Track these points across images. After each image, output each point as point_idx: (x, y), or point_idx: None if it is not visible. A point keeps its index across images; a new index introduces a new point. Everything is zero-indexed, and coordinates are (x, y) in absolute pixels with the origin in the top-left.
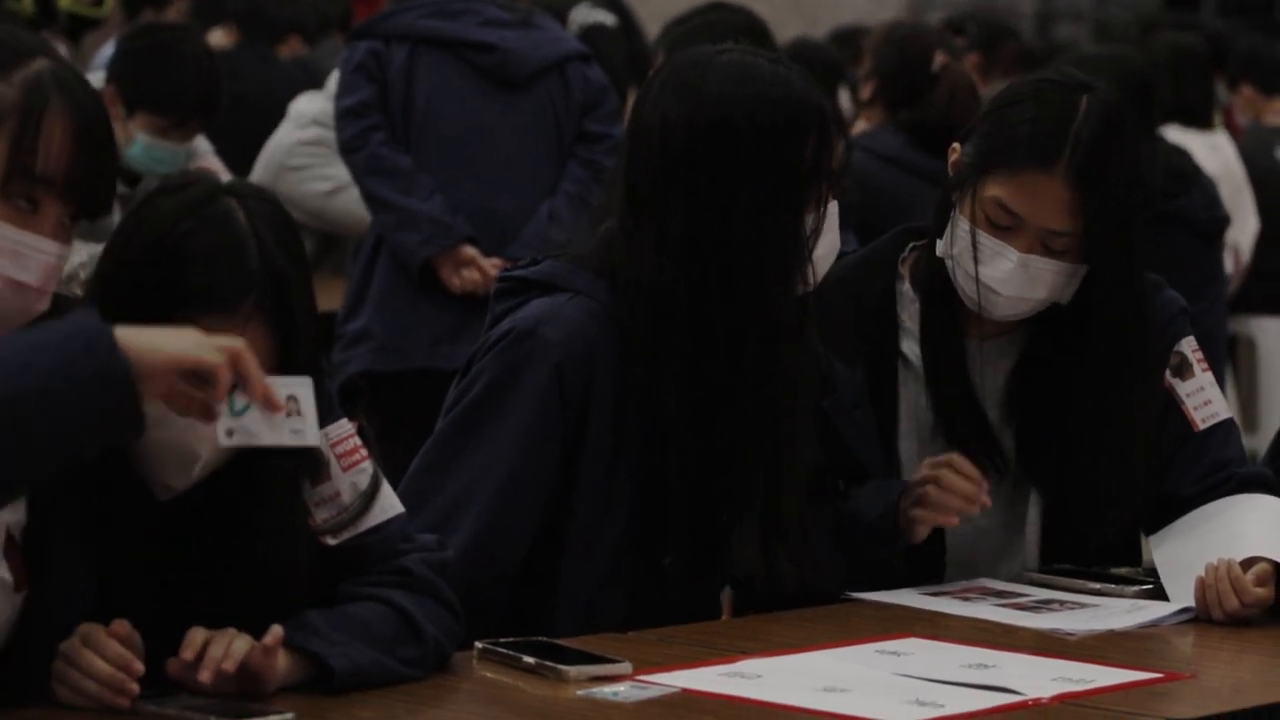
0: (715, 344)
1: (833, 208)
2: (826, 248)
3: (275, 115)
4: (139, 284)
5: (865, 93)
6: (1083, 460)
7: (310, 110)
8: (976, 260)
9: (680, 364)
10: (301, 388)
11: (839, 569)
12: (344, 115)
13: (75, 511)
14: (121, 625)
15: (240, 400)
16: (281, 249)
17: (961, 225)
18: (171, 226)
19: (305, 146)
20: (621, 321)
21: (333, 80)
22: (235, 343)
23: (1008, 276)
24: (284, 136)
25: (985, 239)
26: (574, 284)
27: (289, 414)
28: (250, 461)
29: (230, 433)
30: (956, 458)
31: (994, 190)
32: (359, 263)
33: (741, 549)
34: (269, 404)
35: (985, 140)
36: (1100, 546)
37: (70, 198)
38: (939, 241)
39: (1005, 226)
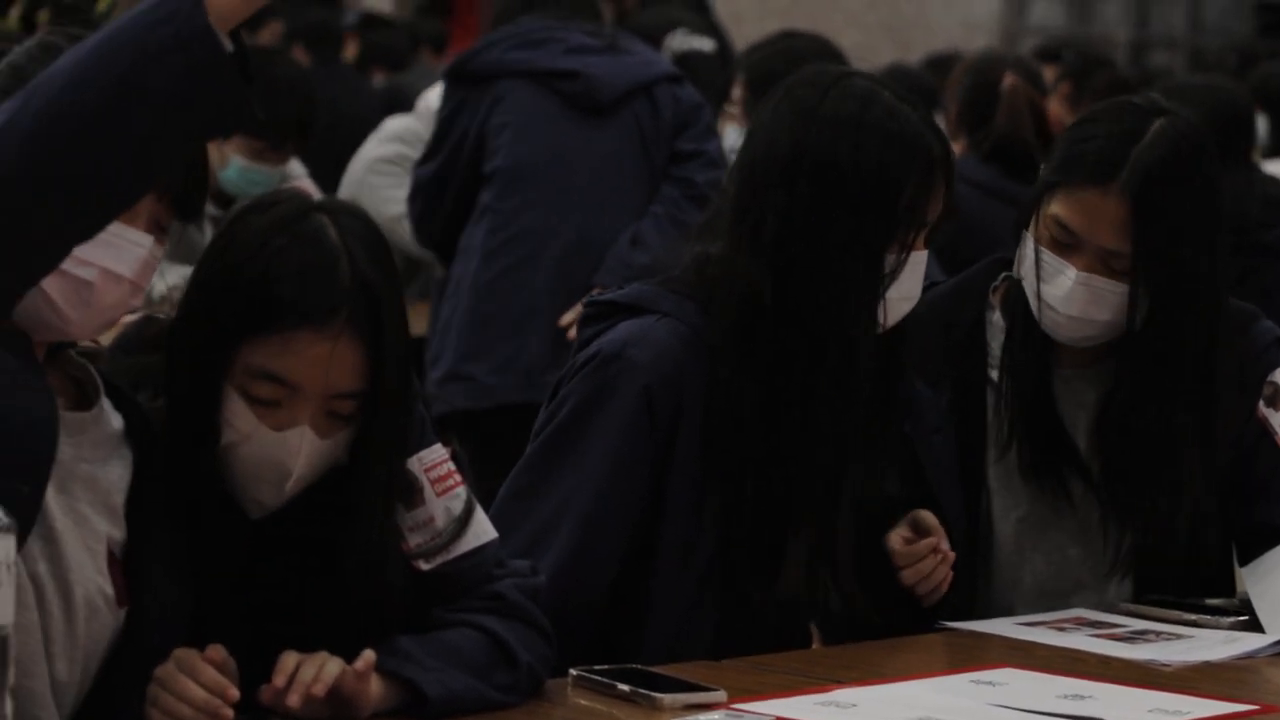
0: (795, 353)
1: (919, 255)
2: (904, 293)
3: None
4: (230, 300)
5: (949, 122)
6: (1158, 486)
7: (395, 127)
8: (1039, 278)
9: (760, 369)
10: None
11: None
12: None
13: (170, 529)
14: (217, 650)
15: None
16: (373, 264)
17: (1028, 244)
18: (263, 243)
19: (384, 164)
20: (710, 343)
21: (422, 100)
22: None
23: (1067, 295)
24: (367, 152)
25: (1047, 256)
26: (662, 306)
27: None
28: (343, 481)
29: None
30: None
31: (1055, 208)
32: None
33: (788, 567)
34: None
35: (1055, 158)
36: (1193, 575)
37: (162, 194)
38: (1015, 260)
39: (1066, 244)
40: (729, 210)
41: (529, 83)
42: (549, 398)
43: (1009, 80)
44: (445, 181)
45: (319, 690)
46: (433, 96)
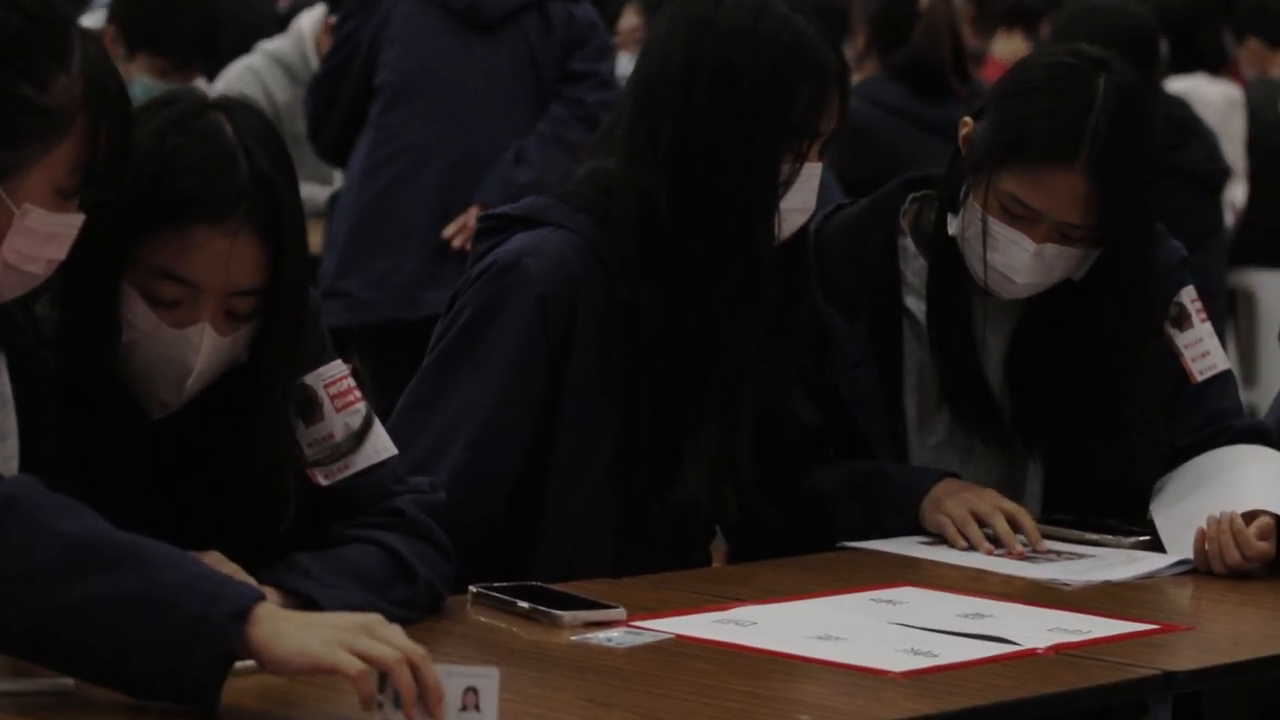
0: (694, 262)
1: (812, 169)
2: (798, 204)
3: None
4: (130, 199)
5: (859, 44)
6: (1101, 434)
7: (264, 46)
8: (987, 247)
9: (661, 277)
10: (485, 679)
11: (823, 529)
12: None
13: (65, 429)
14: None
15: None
16: (271, 161)
17: (974, 211)
18: (160, 140)
19: (243, 70)
20: (606, 255)
21: (294, 23)
22: (403, 641)
23: (1023, 266)
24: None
25: (999, 227)
26: (556, 217)
27: (465, 708)
28: (241, 387)
29: None
30: (1025, 518)
31: (1010, 185)
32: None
33: (686, 472)
34: (434, 706)
35: (999, 130)
36: (1100, 496)
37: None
38: (950, 218)
39: (1020, 216)
40: (625, 122)
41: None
42: (445, 309)
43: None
44: (335, 89)
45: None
46: (305, 20)
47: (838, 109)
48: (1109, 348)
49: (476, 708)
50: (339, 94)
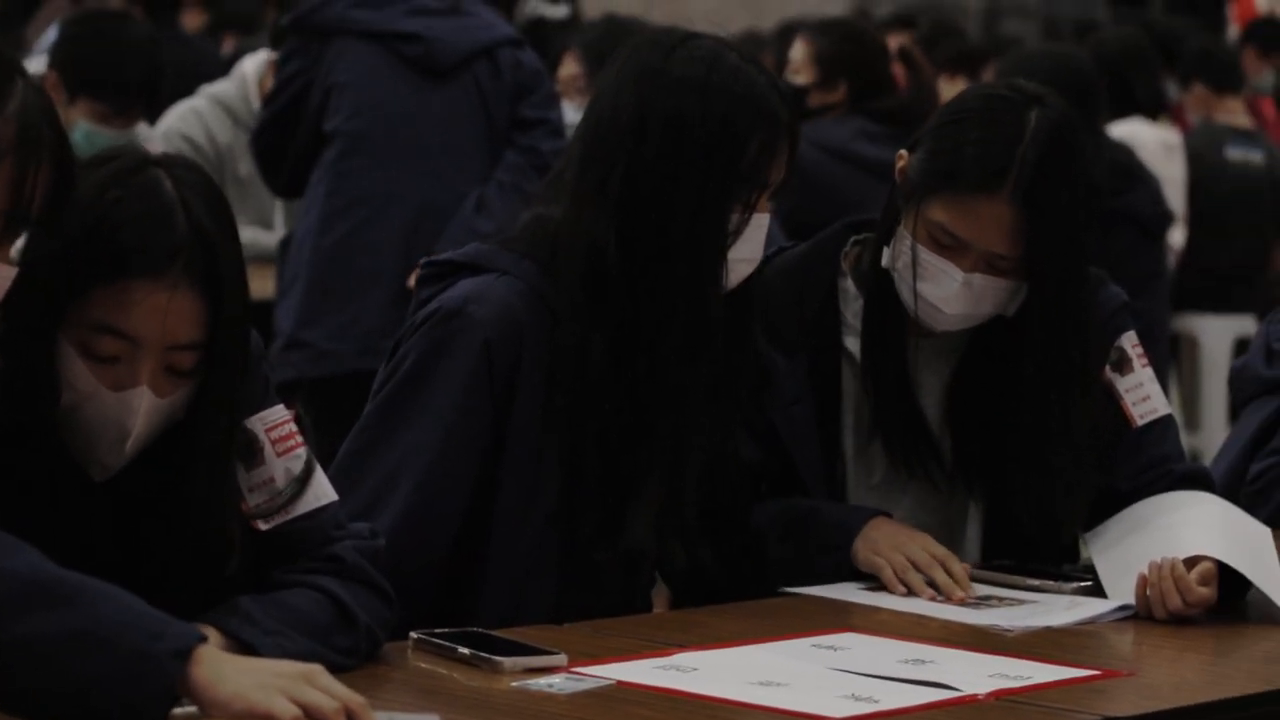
0: (642, 308)
1: (761, 219)
2: (745, 254)
3: None
4: (69, 252)
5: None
6: (1023, 472)
7: (208, 89)
8: (916, 277)
9: (609, 323)
10: None
11: (757, 567)
12: (267, 122)
13: (9, 494)
14: None
15: None
16: (209, 215)
17: (904, 241)
18: (100, 195)
19: (187, 112)
20: (551, 302)
21: (238, 68)
22: (343, 691)
23: (952, 296)
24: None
25: (929, 256)
26: (501, 264)
27: None
28: (181, 438)
29: None
30: (955, 564)
31: (938, 214)
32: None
33: (634, 521)
34: None
35: (931, 159)
36: (1040, 542)
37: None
38: (885, 249)
39: (949, 246)
40: (574, 169)
41: (369, 43)
42: (388, 356)
43: (898, 43)
44: (285, 134)
45: None
46: (249, 64)
47: (786, 159)
48: (1031, 385)
49: None
50: (293, 138)
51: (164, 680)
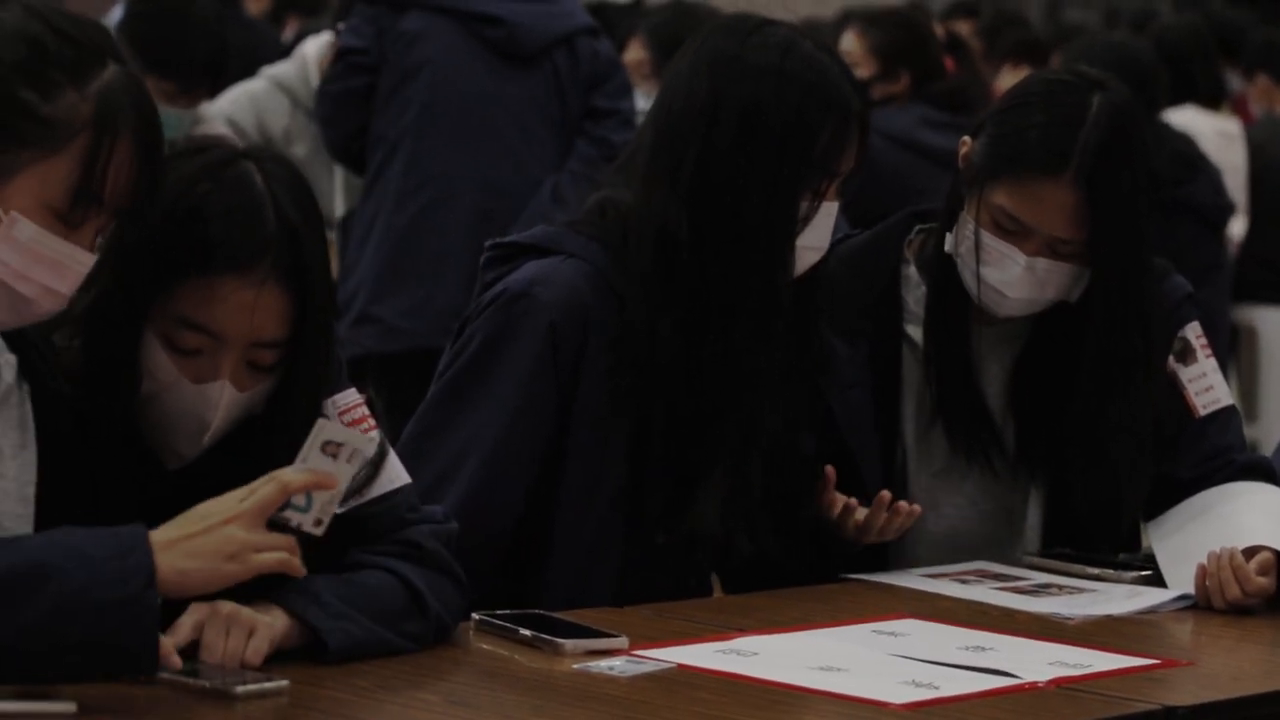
0: (711, 292)
1: (830, 208)
2: (813, 241)
3: None
4: (157, 245)
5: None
6: (1082, 460)
7: (268, 70)
8: (979, 261)
9: (679, 307)
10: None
11: (814, 555)
12: (327, 99)
13: (85, 475)
14: None
15: (300, 499)
16: (298, 211)
17: (968, 226)
18: (189, 188)
19: (244, 95)
20: (618, 285)
21: (299, 50)
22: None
23: (1015, 280)
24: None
25: (991, 241)
26: (567, 246)
27: (337, 458)
28: (257, 432)
29: (318, 522)
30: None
31: (1001, 198)
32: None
33: (701, 507)
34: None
35: (994, 143)
36: (1101, 531)
37: (119, 215)
38: (947, 236)
39: (1011, 230)
40: (645, 153)
41: (452, 22)
42: (454, 337)
43: (945, 30)
44: (359, 99)
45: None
46: (310, 46)
47: (857, 149)
48: (1092, 371)
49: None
50: (359, 110)
51: (146, 617)
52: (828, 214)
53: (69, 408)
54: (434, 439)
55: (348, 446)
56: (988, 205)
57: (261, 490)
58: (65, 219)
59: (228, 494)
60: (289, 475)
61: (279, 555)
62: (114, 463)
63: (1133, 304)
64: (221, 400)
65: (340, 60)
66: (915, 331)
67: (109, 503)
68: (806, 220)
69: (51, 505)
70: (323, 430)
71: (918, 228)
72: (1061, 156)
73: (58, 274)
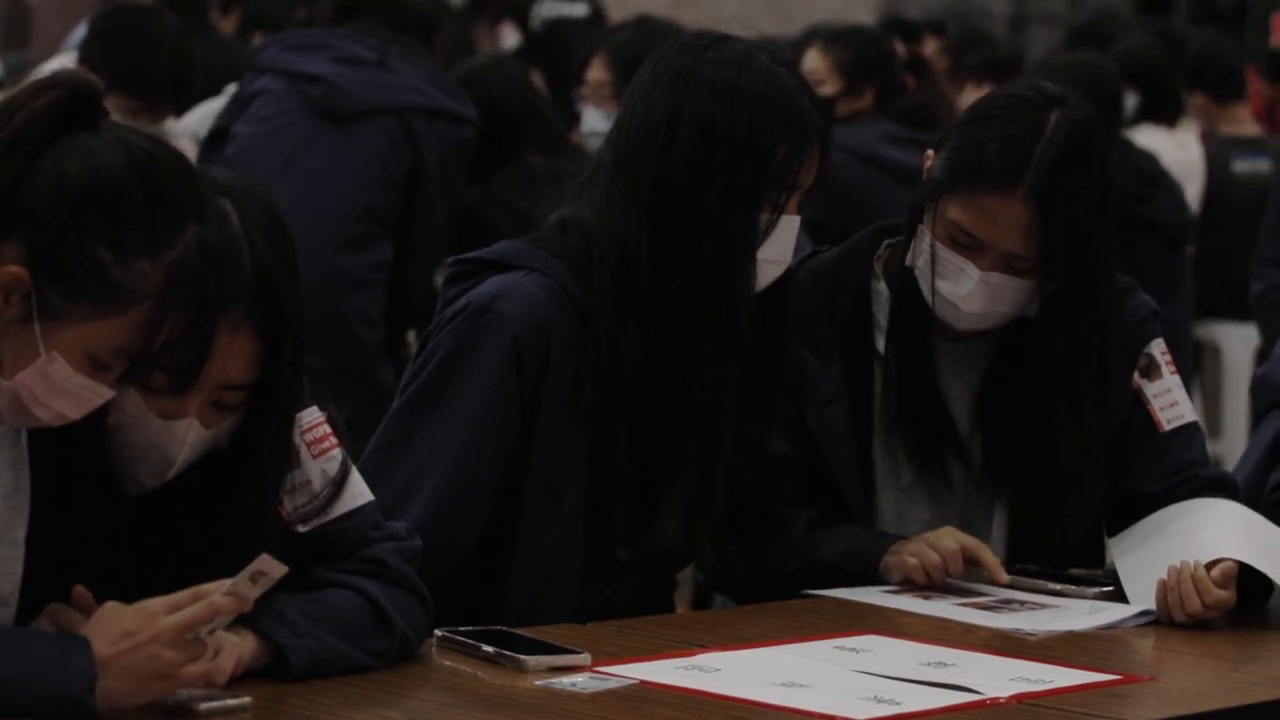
0: (672, 306)
1: (791, 221)
2: (774, 255)
3: None
4: None
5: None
6: (1039, 471)
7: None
8: (935, 274)
9: (641, 321)
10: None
11: (787, 564)
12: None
13: (52, 506)
14: (82, 594)
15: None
16: (274, 254)
17: (925, 239)
18: None
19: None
20: (580, 301)
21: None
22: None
23: (969, 294)
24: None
25: (947, 254)
26: (529, 261)
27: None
28: (227, 463)
29: None
30: (985, 552)
31: (955, 212)
32: None
33: (664, 522)
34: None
35: (952, 157)
36: (1064, 548)
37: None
38: (910, 249)
39: (966, 245)
40: (606, 172)
41: (282, 80)
42: (416, 351)
43: (905, 49)
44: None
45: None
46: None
47: (817, 163)
48: (1041, 377)
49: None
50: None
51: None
52: (788, 227)
53: (48, 438)
54: (396, 454)
55: (269, 576)
56: (943, 219)
57: (191, 610)
58: (102, 367)
59: (151, 603)
60: (219, 599)
61: (202, 667)
62: (73, 488)
63: (1086, 313)
64: (188, 438)
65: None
66: (885, 346)
67: (62, 525)
68: (767, 234)
69: (39, 549)
70: (262, 563)
71: (886, 242)
72: (1014, 173)
73: (76, 405)
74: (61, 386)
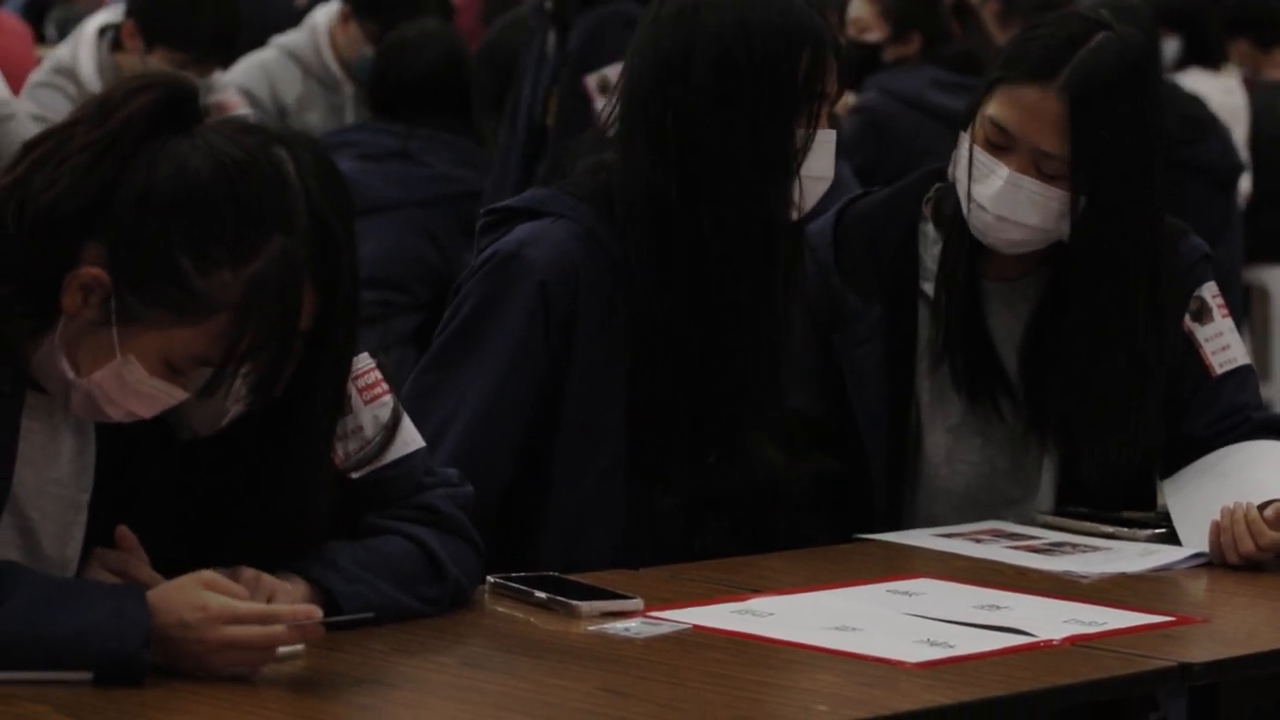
0: (711, 246)
1: (827, 134)
2: (818, 172)
3: None
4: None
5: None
6: (1087, 400)
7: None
8: (970, 177)
9: (680, 271)
10: None
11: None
12: None
13: (107, 457)
14: (125, 534)
15: None
16: (329, 202)
17: (964, 143)
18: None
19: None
20: (605, 243)
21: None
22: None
23: (997, 194)
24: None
25: (981, 156)
26: (558, 208)
27: None
28: (275, 412)
29: None
30: None
31: (993, 108)
32: None
33: (761, 452)
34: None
35: (999, 59)
36: (1115, 489)
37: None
38: (950, 165)
39: (1000, 145)
40: (623, 123)
41: None
42: (449, 300)
43: None
44: None
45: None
46: (320, 14)
47: (837, 70)
48: (1078, 315)
49: None
50: None
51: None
52: (825, 142)
53: None
54: (426, 401)
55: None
56: (982, 120)
57: (249, 633)
58: (177, 372)
59: (216, 603)
60: (279, 631)
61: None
62: (136, 440)
63: (1129, 238)
64: (245, 388)
65: None
66: (931, 288)
67: (127, 471)
68: (805, 150)
69: (101, 508)
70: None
71: (936, 185)
72: (1053, 65)
73: (148, 405)
74: (135, 388)
